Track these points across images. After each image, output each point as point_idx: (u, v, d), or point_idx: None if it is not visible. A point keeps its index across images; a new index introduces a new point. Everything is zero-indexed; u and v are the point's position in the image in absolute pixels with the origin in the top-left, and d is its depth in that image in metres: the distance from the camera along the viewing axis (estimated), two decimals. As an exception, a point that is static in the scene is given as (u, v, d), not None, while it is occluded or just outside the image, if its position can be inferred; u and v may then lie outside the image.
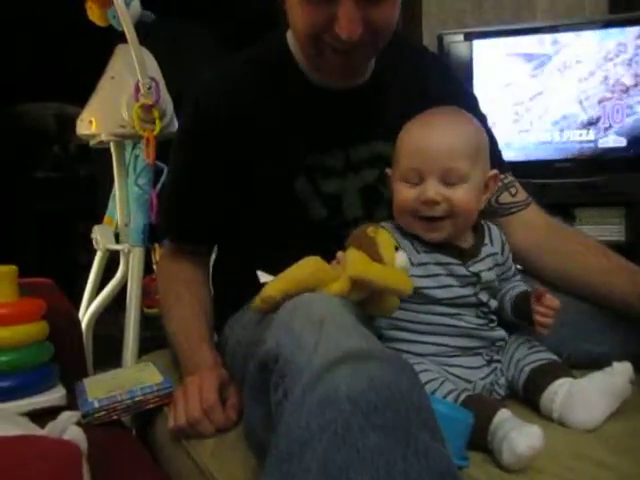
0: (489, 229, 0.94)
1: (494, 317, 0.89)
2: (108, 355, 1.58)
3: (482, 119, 1.08)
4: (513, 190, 1.06)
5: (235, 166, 0.98)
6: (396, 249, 0.80)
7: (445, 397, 0.77)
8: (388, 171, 0.93)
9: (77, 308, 1.65)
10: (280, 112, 0.97)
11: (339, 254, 0.81)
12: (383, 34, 0.90)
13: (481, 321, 0.87)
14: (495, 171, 0.92)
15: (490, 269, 0.89)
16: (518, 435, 0.69)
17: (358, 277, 0.76)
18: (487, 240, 0.92)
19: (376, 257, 0.78)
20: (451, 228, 0.86)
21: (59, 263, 2.51)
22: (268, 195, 0.98)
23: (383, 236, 0.80)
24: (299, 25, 0.89)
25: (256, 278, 1.01)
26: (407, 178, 0.87)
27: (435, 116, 0.89)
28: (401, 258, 0.80)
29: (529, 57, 1.99)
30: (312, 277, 0.76)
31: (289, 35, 1.00)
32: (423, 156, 0.85)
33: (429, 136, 0.86)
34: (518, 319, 0.89)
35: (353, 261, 0.77)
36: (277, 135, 0.97)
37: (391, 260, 0.78)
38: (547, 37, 1.96)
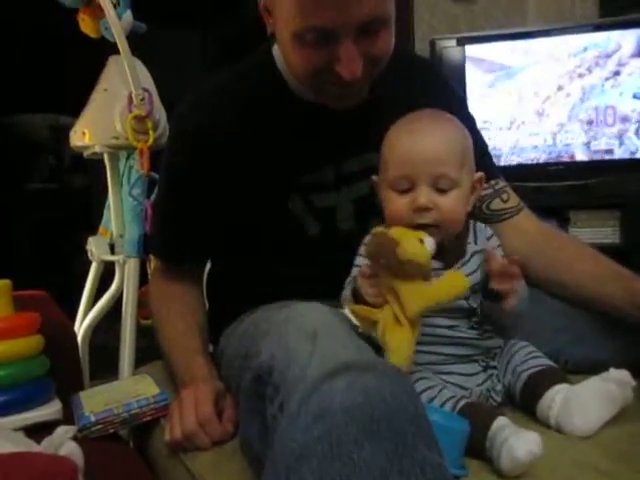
0: (474, 227, 0.92)
1: (488, 327, 0.89)
2: (104, 365, 1.58)
3: (471, 122, 1.06)
4: (505, 196, 1.04)
5: (225, 185, 0.96)
6: (420, 241, 0.76)
7: (444, 404, 0.77)
8: (374, 178, 0.92)
9: (73, 319, 1.64)
10: (269, 130, 0.96)
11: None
12: (382, 63, 0.88)
13: (476, 332, 0.86)
14: (481, 174, 0.91)
15: (475, 271, 0.87)
16: (517, 441, 0.68)
17: (420, 313, 0.76)
18: (471, 238, 0.91)
19: (424, 275, 0.76)
20: (439, 237, 0.84)
21: (54, 274, 2.50)
22: (260, 213, 0.97)
23: (409, 245, 0.75)
24: (296, 66, 0.87)
25: (251, 289, 1.01)
26: (397, 186, 0.85)
27: (421, 121, 0.88)
28: (430, 245, 0.77)
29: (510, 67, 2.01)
30: None
31: (276, 51, 0.97)
32: (413, 163, 0.84)
33: (417, 143, 0.85)
34: (489, 299, 0.84)
35: (405, 300, 0.75)
36: (266, 154, 0.96)
37: (429, 261, 0.76)
38: (532, 42, 1.98)
